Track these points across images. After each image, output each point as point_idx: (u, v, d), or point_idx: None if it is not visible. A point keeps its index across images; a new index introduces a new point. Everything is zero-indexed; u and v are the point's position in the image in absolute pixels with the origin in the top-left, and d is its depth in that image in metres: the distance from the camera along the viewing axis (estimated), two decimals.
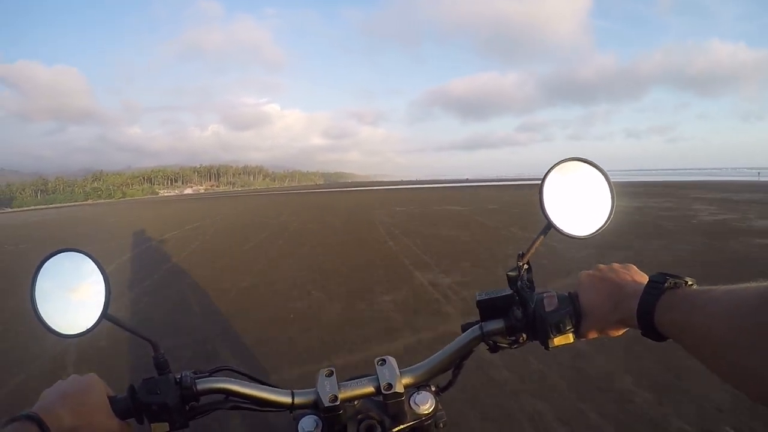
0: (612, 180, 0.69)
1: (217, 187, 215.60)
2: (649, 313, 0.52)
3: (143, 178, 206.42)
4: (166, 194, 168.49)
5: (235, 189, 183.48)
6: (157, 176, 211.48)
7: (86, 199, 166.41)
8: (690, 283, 0.52)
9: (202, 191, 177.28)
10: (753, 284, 0.42)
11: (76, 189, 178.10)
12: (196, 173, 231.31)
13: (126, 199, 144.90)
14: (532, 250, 0.70)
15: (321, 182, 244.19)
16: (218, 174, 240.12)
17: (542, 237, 0.70)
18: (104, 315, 0.66)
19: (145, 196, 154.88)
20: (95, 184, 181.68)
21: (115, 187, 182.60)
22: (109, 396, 0.64)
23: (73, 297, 0.69)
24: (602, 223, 0.69)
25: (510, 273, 0.71)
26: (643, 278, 0.60)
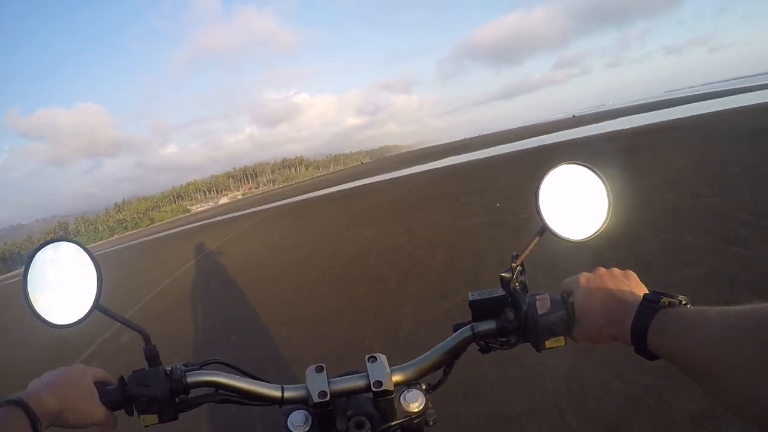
0: (609, 185, 0.70)
1: (256, 188, 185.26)
2: (642, 333, 0.52)
3: (173, 196, 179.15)
4: (199, 209, 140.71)
5: (277, 186, 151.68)
6: (188, 191, 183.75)
7: (112, 235, 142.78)
8: (684, 302, 0.51)
9: (240, 197, 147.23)
10: (748, 306, 0.42)
11: (99, 226, 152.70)
12: (230, 179, 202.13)
13: (155, 225, 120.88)
14: (527, 252, 0.70)
15: (367, 161, 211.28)
16: (255, 174, 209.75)
17: (537, 239, 0.70)
18: (96, 306, 0.66)
19: (176, 217, 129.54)
20: (119, 216, 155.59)
21: (141, 214, 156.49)
22: (98, 386, 0.64)
23: (65, 287, 0.68)
24: (598, 228, 0.70)
25: (503, 274, 0.70)
26: (641, 290, 0.59)
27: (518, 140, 31.15)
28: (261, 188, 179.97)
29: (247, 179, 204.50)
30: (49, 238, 0.69)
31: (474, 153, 28.08)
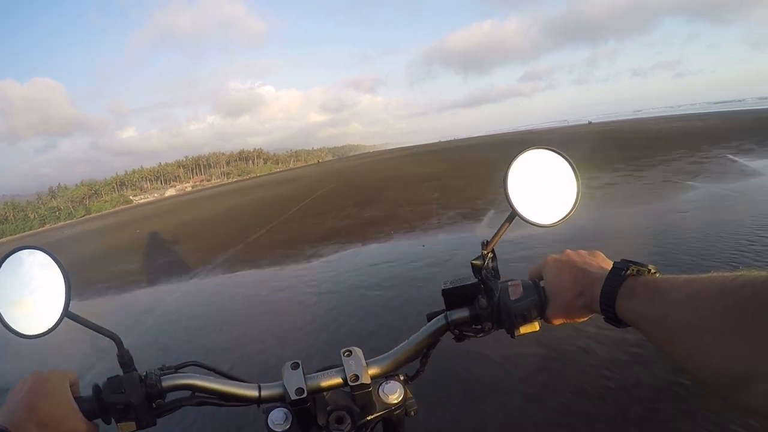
0: (578, 169, 0.70)
1: (207, 181, 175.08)
2: (611, 300, 0.53)
3: (116, 183, 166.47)
4: (142, 201, 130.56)
5: (230, 180, 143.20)
6: (133, 179, 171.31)
7: (43, 225, 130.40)
8: (653, 271, 0.53)
9: (189, 189, 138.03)
10: (714, 274, 0.44)
11: (30, 213, 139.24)
12: (181, 168, 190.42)
13: (91, 216, 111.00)
14: (497, 239, 0.70)
15: (329, 158, 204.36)
16: (208, 165, 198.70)
17: (507, 225, 0.70)
18: (65, 313, 0.66)
19: (116, 208, 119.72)
20: (53, 203, 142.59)
21: (76, 202, 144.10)
22: (75, 396, 0.62)
23: (33, 296, 0.67)
24: (567, 212, 0.70)
25: (474, 261, 0.70)
26: (609, 264, 0.60)
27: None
28: (213, 181, 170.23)
29: (200, 170, 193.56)
30: (15, 247, 0.68)
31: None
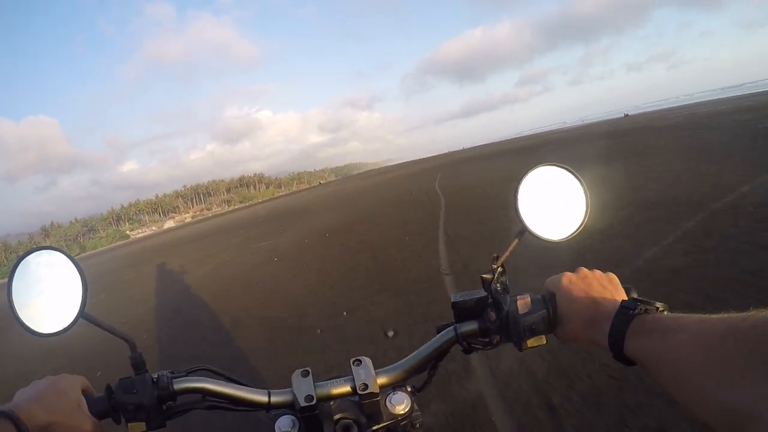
0: (587, 186, 0.70)
1: (208, 210, 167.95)
2: (619, 340, 0.53)
3: (113, 218, 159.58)
4: (139, 235, 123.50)
5: (232, 208, 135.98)
6: (129, 213, 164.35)
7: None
8: (661, 308, 0.53)
9: (189, 220, 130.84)
10: (723, 315, 0.44)
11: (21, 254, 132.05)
12: (180, 198, 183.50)
13: (87, 253, 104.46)
14: (507, 254, 0.71)
15: (332, 179, 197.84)
16: (208, 193, 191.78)
17: (516, 241, 0.71)
18: (81, 314, 0.66)
19: (112, 244, 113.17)
20: (46, 243, 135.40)
21: (70, 240, 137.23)
22: (86, 395, 0.64)
23: (49, 295, 0.68)
24: (576, 228, 0.70)
25: (484, 275, 0.71)
26: (621, 295, 0.61)
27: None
28: (214, 210, 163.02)
29: (200, 199, 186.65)
30: (33, 247, 0.69)
31: None
